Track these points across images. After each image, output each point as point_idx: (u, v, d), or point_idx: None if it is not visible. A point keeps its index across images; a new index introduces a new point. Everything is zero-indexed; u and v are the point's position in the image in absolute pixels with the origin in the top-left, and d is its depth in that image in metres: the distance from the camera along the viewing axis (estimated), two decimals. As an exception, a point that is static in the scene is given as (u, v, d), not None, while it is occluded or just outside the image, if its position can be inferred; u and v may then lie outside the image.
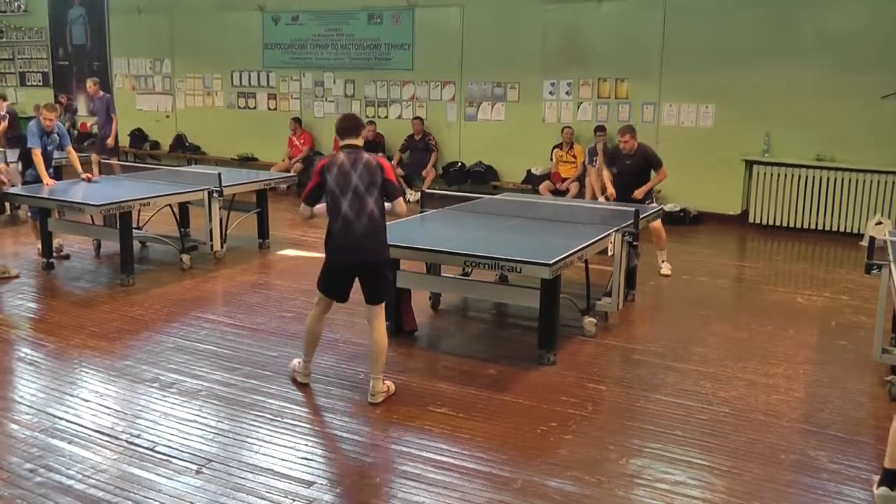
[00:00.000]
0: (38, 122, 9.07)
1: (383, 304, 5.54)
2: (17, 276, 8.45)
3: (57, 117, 9.38)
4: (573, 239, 6.57)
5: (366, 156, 5.39)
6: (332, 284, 5.56)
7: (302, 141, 15.02)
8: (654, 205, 8.88)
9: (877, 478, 4.27)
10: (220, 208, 9.02)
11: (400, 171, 14.06)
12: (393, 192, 5.43)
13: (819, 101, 11.24)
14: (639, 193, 8.69)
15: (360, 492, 4.33)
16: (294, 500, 4.20)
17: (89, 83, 13.38)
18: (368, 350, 5.64)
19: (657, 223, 8.73)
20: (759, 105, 11.63)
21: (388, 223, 5.57)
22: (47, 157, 9.19)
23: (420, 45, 14.16)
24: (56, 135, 9.23)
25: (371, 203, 5.32)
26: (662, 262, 9.09)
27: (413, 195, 13.47)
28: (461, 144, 14.08)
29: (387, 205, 5.46)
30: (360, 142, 5.51)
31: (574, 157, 12.75)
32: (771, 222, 11.77)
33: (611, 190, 8.91)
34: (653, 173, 8.90)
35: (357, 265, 5.43)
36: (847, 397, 5.68)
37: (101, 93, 13.28)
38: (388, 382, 5.60)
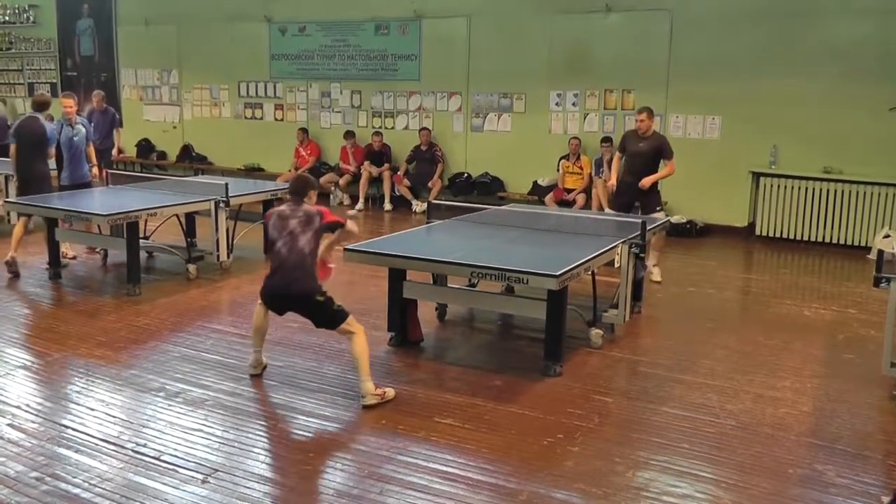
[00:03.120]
0: (56, 121, 9.37)
1: (344, 326, 5.67)
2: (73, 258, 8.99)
3: (76, 104, 9.60)
4: (580, 250, 6.56)
5: (306, 207, 5.79)
6: (268, 301, 5.91)
7: (308, 151, 15.06)
8: (662, 214, 8.84)
9: (885, 498, 4.24)
10: (226, 218, 9.04)
11: (406, 181, 14.09)
12: (336, 225, 5.91)
13: (826, 113, 11.24)
14: (646, 182, 8.65)
15: (367, 502, 4.31)
16: (300, 511, 4.19)
17: (95, 96, 13.42)
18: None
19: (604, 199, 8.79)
20: (765, 117, 11.62)
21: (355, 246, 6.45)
22: (74, 151, 9.26)
23: (427, 56, 14.20)
24: (80, 126, 9.42)
25: (303, 241, 5.65)
26: (654, 266, 8.99)
27: (419, 206, 13.50)
28: (467, 155, 14.09)
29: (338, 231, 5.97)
30: (305, 201, 5.88)
31: (580, 168, 12.76)
32: (778, 235, 11.75)
33: (612, 181, 8.84)
34: (662, 164, 8.85)
35: (286, 294, 5.74)
36: (855, 411, 5.65)
37: (105, 106, 13.31)
38: (385, 389, 5.65)
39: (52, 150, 9.34)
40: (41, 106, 9.68)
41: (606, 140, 12.44)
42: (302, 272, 5.64)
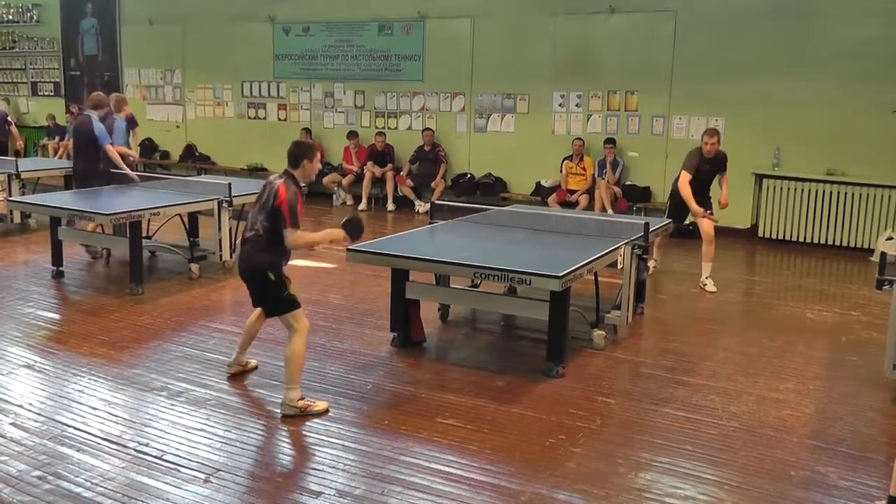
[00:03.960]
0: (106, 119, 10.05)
1: (289, 317, 5.43)
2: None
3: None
4: (583, 251, 6.56)
5: (279, 182, 5.42)
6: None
7: (312, 151, 15.02)
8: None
9: (879, 503, 4.23)
10: (229, 218, 9.04)
11: (409, 182, 14.09)
12: (279, 220, 5.35)
13: (830, 115, 11.23)
14: (725, 200, 9.20)
15: (369, 503, 4.31)
16: (302, 511, 4.19)
17: (113, 99, 13.39)
18: None
19: (710, 229, 8.94)
20: (769, 119, 11.62)
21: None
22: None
23: (430, 57, 14.20)
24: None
25: (261, 220, 5.39)
26: (706, 277, 9.08)
27: (422, 207, 13.50)
28: (471, 156, 14.10)
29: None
30: (296, 171, 5.53)
31: (584, 169, 12.75)
32: (781, 237, 11.75)
33: (697, 208, 8.98)
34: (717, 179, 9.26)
35: (242, 269, 5.56)
36: (858, 413, 5.65)
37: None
38: (314, 402, 5.43)
39: (109, 147, 9.80)
40: (97, 105, 10.09)
41: (609, 141, 12.45)
42: (253, 247, 5.42)
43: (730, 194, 9.32)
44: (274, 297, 5.46)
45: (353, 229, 5.69)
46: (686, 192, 8.84)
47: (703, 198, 9.08)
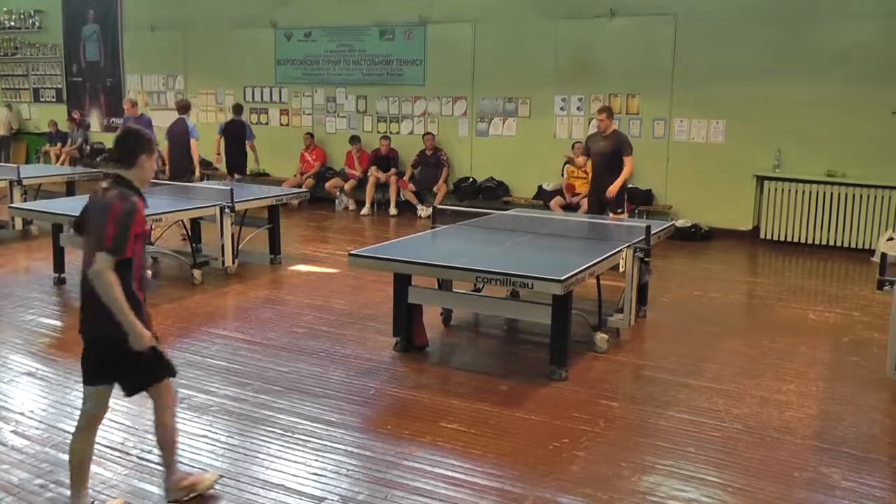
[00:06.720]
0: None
1: (160, 388, 4.20)
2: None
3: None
4: (585, 255, 6.56)
5: (111, 193, 3.97)
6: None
7: (314, 157, 15.08)
8: (625, 216, 8.96)
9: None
10: (231, 224, 9.05)
11: (412, 186, 14.10)
12: (101, 240, 3.86)
13: (830, 116, 11.23)
14: (612, 190, 8.80)
15: (371, 508, 4.32)
16: (305, 517, 4.19)
17: (127, 103, 13.46)
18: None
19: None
20: (770, 121, 11.63)
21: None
22: None
23: (432, 61, 14.22)
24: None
25: (92, 259, 3.89)
26: None
27: (425, 211, 13.50)
28: (472, 160, 14.10)
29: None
30: (131, 175, 4.07)
31: (585, 172, 12.72)
32: (782, 238, 11.74)
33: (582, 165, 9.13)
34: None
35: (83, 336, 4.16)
36: (860, 414, 5.64)
37: (139, 113, 13.38)
38: (201, 479, 4.42)
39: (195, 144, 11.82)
40: (184, 108, 12.20)
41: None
42: (94, 308, 4.00)
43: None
44: (138, 366, 4.06)
45: (153, 363, 4.11)
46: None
47: (597, 181, 9.09)
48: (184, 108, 12.31)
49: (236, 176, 13.90)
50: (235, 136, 14.00)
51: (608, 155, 8.82)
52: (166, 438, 4.28)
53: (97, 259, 3.83)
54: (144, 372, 4.09)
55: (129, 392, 4.18)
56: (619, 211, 8.92)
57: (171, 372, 4.20)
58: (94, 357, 4.09)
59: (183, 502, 4.32)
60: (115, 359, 4.01)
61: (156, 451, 4.82)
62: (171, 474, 4.31)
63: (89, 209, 4.09)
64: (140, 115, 13.25)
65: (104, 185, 4.07)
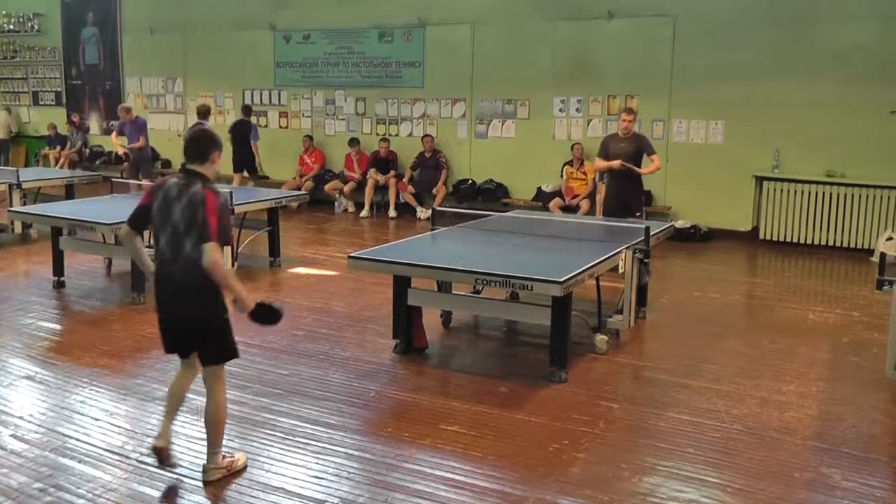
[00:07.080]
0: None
1: (221, 370, 4.59)
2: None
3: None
4: (584, 256, 6.56)
5: (196, 187, 4.30)
6: (164, 340, 4.62)
7: (313, 159, 15.08)
8: (640, 217, 8.84)
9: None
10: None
11: (411, 188, 14.10)
12: (205, 233, 4.23)
13: (829, 117, 11.24)
14: (641, 171, 8.68)
15: (371, 511, 4.32)
16: (305, 519, 4.18)
17: (121, 111, 13.50)
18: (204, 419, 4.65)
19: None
20: (769, 121, 11.63)
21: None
22: None
23: (431, 63, 14.22)
24: None
25: (189, 247, 4.28)
26: None
27: (424, 213, 13.50)
28: (471, 162, 14.11)
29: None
30: (205, 170, 4.44)
31: (584, 174, 12.75)
32: (781, 238, 11.74)
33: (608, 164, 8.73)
34: (645, 160, 8.78)
35: (176, 323, 4.51)
36: (860, 414, 5.64)
37: (135, 116, 13.41)
38: (233, 458, 4.72)
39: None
40: (204, 114, 13.23)
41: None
42: (195, 296, 4.36)
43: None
44: (223, 342, 4.55)
45: (264, 315, 4.60)
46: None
47: (617, 182, 8.86)
48: (204, 113, 13.22)
49: (246, 175, 14.45)
50: (242, 134, 14.44)
51: (629, 157, 8.68)
52: (221, 417, 4.59)
53: (206, 249, 4.20)
54: (228, 349, 4.56)
55: (206, 363, 4.55)
56: (638, 214, 8.83)
57: (237, 354, 4.63)
58: (190, 336, 4.50)
59: (215, 482, 4.52)
60: (208, 337, 4.47)
61: (154, 454, 4.84)
62: (216, 455, 4.56)
63: (169, 204, 4.34)
64: (136, 119, 13.29)
65: (175, 179, 4.40)
